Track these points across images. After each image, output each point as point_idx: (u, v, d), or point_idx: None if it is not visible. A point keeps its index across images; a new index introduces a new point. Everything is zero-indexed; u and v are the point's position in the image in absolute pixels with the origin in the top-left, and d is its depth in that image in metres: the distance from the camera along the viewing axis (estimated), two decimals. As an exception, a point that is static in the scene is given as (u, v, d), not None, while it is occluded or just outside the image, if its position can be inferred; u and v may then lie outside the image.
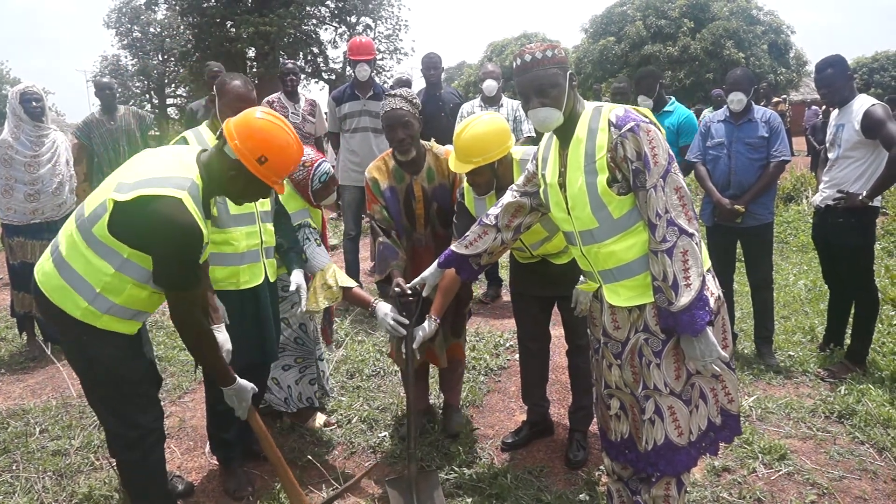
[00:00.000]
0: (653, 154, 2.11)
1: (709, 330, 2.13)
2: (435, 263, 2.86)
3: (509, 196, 2.65)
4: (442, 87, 6.20)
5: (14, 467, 3.36)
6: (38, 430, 3.76)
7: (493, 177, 2.96)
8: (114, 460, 3.34)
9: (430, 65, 6.08)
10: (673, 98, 5.28)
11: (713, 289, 2.23)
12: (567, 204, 2.32)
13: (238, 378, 2.52)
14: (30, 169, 4.83)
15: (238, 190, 2.35)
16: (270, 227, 3.23)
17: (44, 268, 2.37)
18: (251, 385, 2.58)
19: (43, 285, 2.34)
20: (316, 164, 3.32)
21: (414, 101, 3.19)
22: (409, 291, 2.97)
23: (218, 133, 2.35)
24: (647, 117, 2.20)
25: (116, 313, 2.31)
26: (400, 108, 3.13)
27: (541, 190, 2.49)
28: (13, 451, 3.52)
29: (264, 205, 3.22)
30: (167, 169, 2.24)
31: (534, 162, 2.57)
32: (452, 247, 2.79)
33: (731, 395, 2.34)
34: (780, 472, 3.11)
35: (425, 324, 3.03)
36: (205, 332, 2.41)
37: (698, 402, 2.28)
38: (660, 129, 2.19)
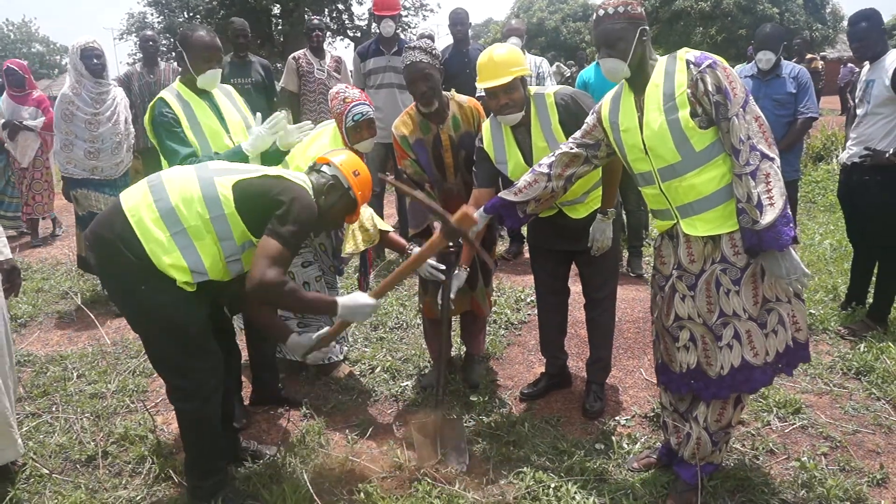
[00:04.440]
0: (731, 87, 2.28)
1: (792, 249, 2.24)
2: (480, 209, 2.92)
3: (564, 147, 2.75)
4: (469, 43, 6.14)
5: (54, 409, 3.53)
6: (75, 374, 3.93)
7: (525, 93, 3.00)
8: (150, 404, 3.51)
9: (458, 20, 5.98)
10: None
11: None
12: (644, 144, 2.44)
13: (337, 298, 2.63)
14: (90, 127, 4.86)
15: (332, 202, 2.69)
16: None
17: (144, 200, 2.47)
18: (354, 294, 2.69)
19: (131, 213, 2.43)
20: (354, 103, 3.38)
21: (433, 52, 3.23)
22: (450, 243, 3.04)
23: (311, 165, 2.78)
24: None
25: (187, 258, 2.41)
26: (420, 61, 3.17)
27: (611, 138, 2.61)
28: (52, 394, 3.69)
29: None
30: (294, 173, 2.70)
31: (594, 115, 2.68)
32: (501, 194, 2.86)
33: (799, 324, 2.47)
34: (794, 426, 3.16)
35: (458, 272, 3.11)
36: (285, 280, 2.52)
37: (777, 327, 2.42)
38: None
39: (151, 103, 3.20)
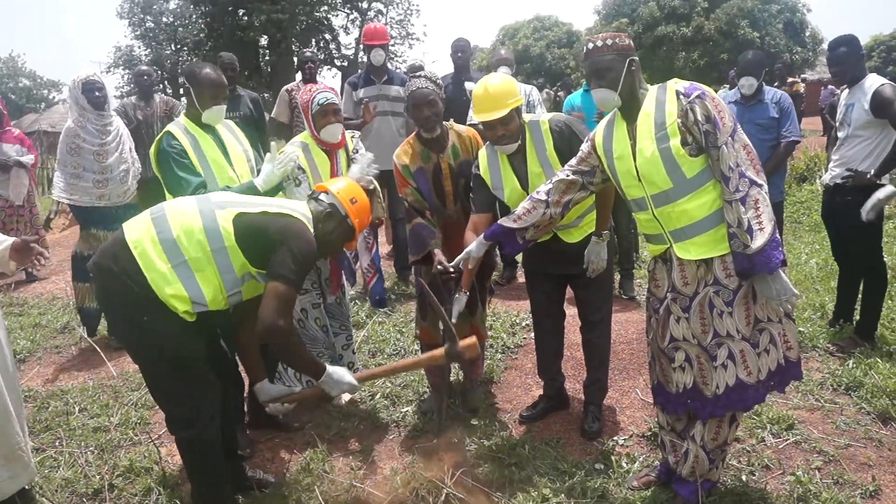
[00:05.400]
0: (720, 117, 2.38)
1: (781, 271, 2.33)
2: (481, 237, 3.01)
3: (561, 174, 2.84)
4: (469, 71, 6.22)
5: (57, 443, 3.54)
6: (77, 409, 3.95)
7: (521, 123, 3.11)
8: (154, 436, 3.54)
9: (458, 48, 6.04)
10: None
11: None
12: (637, 172, 2.53)
13: (327, 366, 2.70)
14: (99, 158, 4.86)
15: (329, 230, 2.76)
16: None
17: (148, 233, 2.53)
18: (342, 368, 2.76)
19: (134, 245, 2.49)
20: (319, 91, 3.54)
21: (437, 81, 3.40)
22: (451, 269, 3.12)
23: (311, 193, 2.87)
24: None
25: (189, 289, 2.47)
26: (425, 88, 3.31)
27: (605, 165, 2.70)
28: (55, 429, 3.70)
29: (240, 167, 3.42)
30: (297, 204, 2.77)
31: (588, 142, 2.77)
32: (500, 221, 2.96)
33: (790, 343, 2.55)
34: (788, 441, 3.23)
35: (458, 297, 3.18)
36: (294, 332, 2.66)
37: (769, 346, 2.51)
38: None
39: (158, 137, 3.30)
